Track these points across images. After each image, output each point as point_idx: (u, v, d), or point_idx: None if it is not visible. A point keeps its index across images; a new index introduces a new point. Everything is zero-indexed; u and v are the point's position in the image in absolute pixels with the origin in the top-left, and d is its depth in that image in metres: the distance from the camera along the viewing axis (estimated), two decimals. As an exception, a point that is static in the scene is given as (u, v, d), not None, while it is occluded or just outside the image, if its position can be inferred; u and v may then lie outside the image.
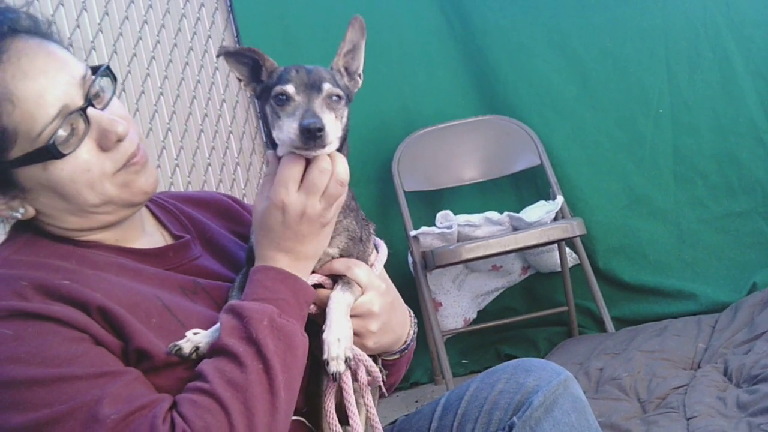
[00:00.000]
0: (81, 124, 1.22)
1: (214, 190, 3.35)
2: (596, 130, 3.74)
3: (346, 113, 1.29)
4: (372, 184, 3.76)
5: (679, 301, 3.50)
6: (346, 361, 1.23)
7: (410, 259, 3.46)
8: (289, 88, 1.23)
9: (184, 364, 1.18)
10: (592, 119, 3.74)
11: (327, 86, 1.24)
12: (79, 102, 1.22)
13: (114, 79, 1.30)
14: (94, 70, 1.27)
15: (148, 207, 1.45)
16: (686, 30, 3.66)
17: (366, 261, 1.40)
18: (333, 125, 1.22)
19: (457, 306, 3.68)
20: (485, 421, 1.38)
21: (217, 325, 1.23)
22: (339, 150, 1.28)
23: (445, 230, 3.30)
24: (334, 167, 1.26)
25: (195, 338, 1.21)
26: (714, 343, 2.85)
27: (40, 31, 1.27)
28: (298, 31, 3.62)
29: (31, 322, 1.12)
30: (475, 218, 3.37)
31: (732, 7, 3.61)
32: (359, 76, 1.39)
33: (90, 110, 1.23)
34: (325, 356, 1.23)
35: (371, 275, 1.36)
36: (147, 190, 1.31)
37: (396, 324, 1.42)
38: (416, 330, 1.52)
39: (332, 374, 1.22)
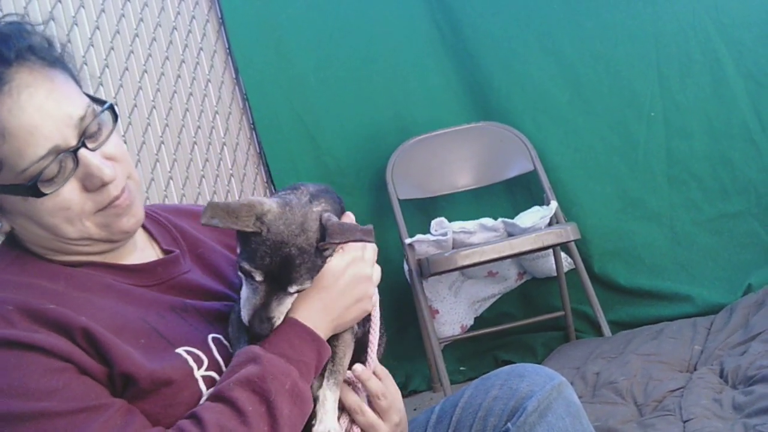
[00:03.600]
0: (69, 164, 1.20)
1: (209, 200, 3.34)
2: (589, 135, 3.74)
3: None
4: (366, 193, 3.77)
5: (675, 303, 3.50)
6: None
7: (406, 267, 3.46)
8: (257, 276, 1.21)
9: (170, 387, 1.17)
10: (585, 124, 3.75)
11: (292, 288, 1.23)
12: (72, 142, 1.20)
13: (115, 116, 1.28)
14: (97, 100, 1.26)
15: None
16: (676, 33, 3.67)
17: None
18: (285, 310, 1.25)
19: (453, 313, 3.68)
20: (480, 428, 1.38)
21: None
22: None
23: (440, 237, 3.31)
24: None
25: None
26: (710, 345, 2.85)
27: (51, 56, 1.23)
28: (289, 43, 3.62)
29: (15, 352, 1.10)
30: (470, 225, 3.38)
31: (721, 9, 3.63)
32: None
33: (82, 151, 1.21)
34: None
35: (391, 405, 1.39)
36: (127, 231, 1.30)
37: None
38: None
39: None
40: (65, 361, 1.11)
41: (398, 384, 3.68)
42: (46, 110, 1.17)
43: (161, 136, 3.18)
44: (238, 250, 1.25)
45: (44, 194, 1.18)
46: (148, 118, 3.15)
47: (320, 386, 1.31)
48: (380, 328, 1.46)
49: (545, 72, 3.76)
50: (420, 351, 3.61)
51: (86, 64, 2.91)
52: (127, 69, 3.09)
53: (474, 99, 3.85)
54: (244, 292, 1.25)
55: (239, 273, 1.25)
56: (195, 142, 3.37)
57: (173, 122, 3.27)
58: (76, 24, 2.91)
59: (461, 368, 3.67)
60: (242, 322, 1.31)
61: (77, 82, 1.28)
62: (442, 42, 3.85)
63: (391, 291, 3.73)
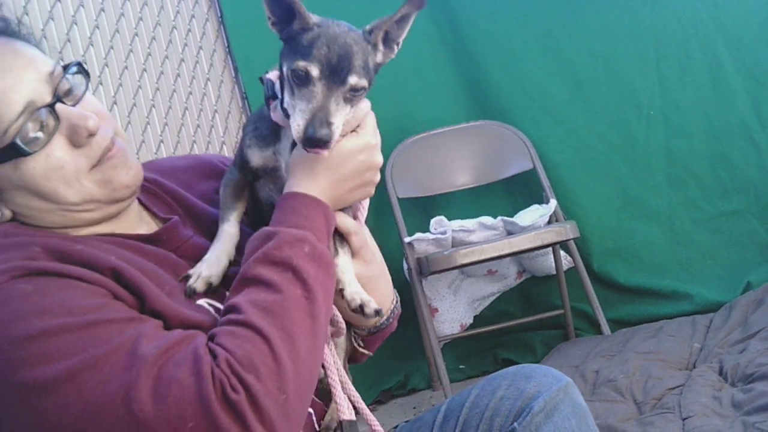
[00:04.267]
0: (51, 121, 1.20)
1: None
2: (588, 134, 3.75)
3: (365, 96, 1.27)
4: (365, 192, 3.76)
5: (674, 301, 3.51)
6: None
7: (405, 266, 3.47)
8: (313, 71, 1.18)
9: (203, 329, 1.16)
10: (584, 122, 3.75)
11: (352, 79, 1.19)
12: (47, 98, 1.20)
13: (87, 75, 1.28)
14: (65, 67, 1.26)
15: None
16: (676, 32, 3.68)
17: None
18: (342, 121, 1.20)
19: (453, 311, 3.68)
20: (486, 428, 1.38)
21: (220, 248, 1.29)
22: None
23: (440, 236, 3.31)
24: None
25: (204, 272, 1.23)
26: (709, 343, 2.85)
27: (8, 30, 1.25)
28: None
29: (52, 279, 1.10)
30: (469, 223, 3.38)
31: (721, 8, 3.64)
32: (397, 45, 1.32)
33: (59, 106, 1.21)
34: (357, 302, 1.30)
35: (363, 244, 1.40)
36: (129, 184, 1.29)
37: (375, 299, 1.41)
38: (396, 315, 1.53)
39: (376, 311, 1.30)
40: (101, 287, 1.13)
41: (398, 383, 3.70)
42: (14, 70, 1.18)
43: (160, 135, 3.19)
44: (283, 60, 1.23)
45: (30, 152, 1.17)
46: (147, 116, 3.16)
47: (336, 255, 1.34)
48: None
49: (545, 71, 3.76)
50: (420, 349, 3.61)
51: (85, 62, 2.91)
52: (126, 68, 3.10)
53: (473, 98, 3.85)
54: (295, 103, 1.19)
55: (289, 80, 1.21)
56: (194, 141, 3.37)
57: (172, 121, 3.27)
58: (76, 24, 2.91)
59: (461, 366, 3.67)
60: (231, 188, 1.36)
61: (40, 50, 1.28)
62: (442, 41, 3.85)
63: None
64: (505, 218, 3.39)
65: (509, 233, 3.36)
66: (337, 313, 1.35)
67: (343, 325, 1.37)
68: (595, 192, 3.71)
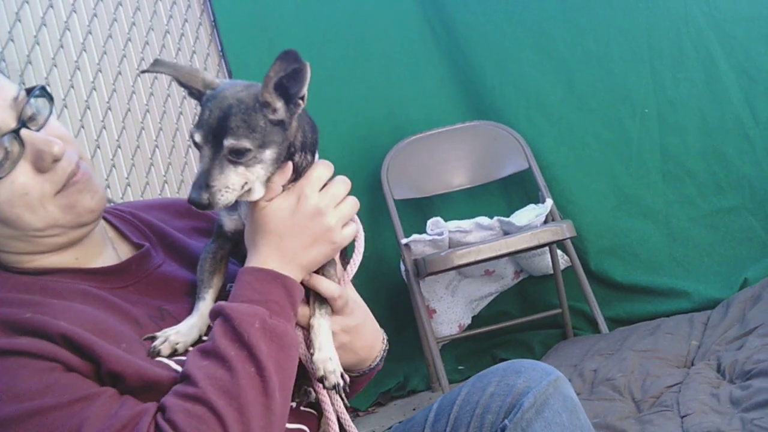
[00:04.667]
0: (15, 147, 1.18)
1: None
2: (583, 132, 3.75)
3: (268, 155, 1.21)
4: (361, 194, 3.71)
5: (672, 299, 3.50)
6: (341, 376, 1.27)
7: (402, 267, 3.46)
8: (197, 137, 1.19)
9: (160, 386, 1.15)
10: (579, 121, 3.75)
11: (228, 143, 1.17)
12: (12, 124, 1.19)
13: (50, 99, 1.27)
14: (29, 91, 1.24)
15: (106, 219, 1.43)
16: (668, 29, 3.68)
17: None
18: (236, 181, 1.18)
19: (451, 312, 3.68)
20: (477, 425, 1.37)
21: (193, 321, 1.24)
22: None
23: (436, 237, 3.31)
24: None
25: (173, 338, 1.20)
26: (706, 341, 2.86)
27: None
28: (282, 44, 3.55)
29: (0, 359, 1.09)
30: (466, 224, 3.38)
31: (713, 5, 3.63)
32: (302, 99, 1.26)
33: (24, 132, 1.19)
34: (321, 373, 1.26)
35: (347, 303, 1.36)
36: (93, 208, 1.28)
37: (360, 347, 1.41)
38: (385, 354, 1.50)
39: (333, 387, 1.26)
40: (51, 361, 1.10)
41: (397, 384, 3.70)
42: None
43: (155, 140, 3.19)
44: None
45: None
46: (142, 122, 3.15)
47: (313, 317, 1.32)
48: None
49: (539, 70, 3.76)
50: (418, 351, 3.61)
51: (79, 69, 2.91)
52: (120, 73, 3.10)
53: (468, 98, 3.85)
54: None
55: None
56: (190, 145, 3.36)
57: (167, 125, 3.27)
58: (68, 29, 2.91)
59: (459, 367, 3.67)
60: (209, 263, 1.33)
61: (4, 74, 1.28)
62: (435, 41, 3.85)
63: (388, 291, 3.73)
64: (502, 218, 3.39)
65: (506, 233, 3.36)
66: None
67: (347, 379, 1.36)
68: (591, 190, 3.71)
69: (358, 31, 3.78)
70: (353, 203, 1.32)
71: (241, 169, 1.18)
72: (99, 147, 2.91)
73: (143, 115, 3.16)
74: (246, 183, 1.19)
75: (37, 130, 1.22)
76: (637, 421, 2.31)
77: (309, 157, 1.32)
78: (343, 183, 1.31)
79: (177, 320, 1.29)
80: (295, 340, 1.23)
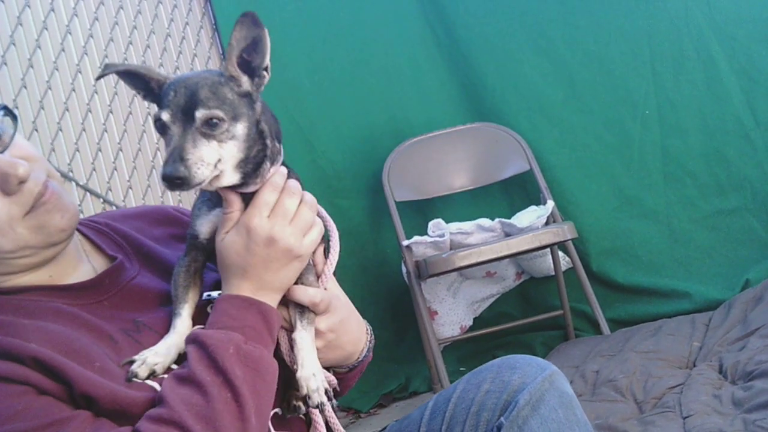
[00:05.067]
0: None
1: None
2: (584, 134, 3.75)
3: (239, 129, 1.20)
4: (363, 196, 3.77)
5: (673, 300, 3.50)
6: (326, 392, 1.26)
7: (404, 269, 3.47)
8: (164, 116, 1.17)
9: (133, 408, 1.13)
10: (580, 123, 3.75)
11: (200, 113, 1.16)
12: None
13: (14, 118, 1.25)
14: None
15: (81, 231, 1.42)
16: (669, 31, 3.68)
17: (311, 256, 1.37)
18: (209, 156, 1.16)
19: (452, 314, 3.68)
20: (473, 423, 1.37)
21: (171, 340, 1.23)
22: (263, 157, 1.26)
23: (438, 239, 3.31)
24: (303, 195, 1.28)
25: (150, 359, 1.19)
26: (708, 342, 2.85)
27: None
28: (283, 47, 3.59)
29: None
30: (467, 226, 3.38)
31: (713, 6, 3.63)
32: (266, 70, 1.26)
33: None
34: (305, 391, 1.26)
35: (329, 303, 1.35)
36: (64, 227, 1.26)
37: (346, 342, 1.41)
38: (371, 347, 1.50)
39: (317, 406, 1.25)
40: (23, 384, 1.09)
41: (399, 386, 3.70)
42: None
43: (157, 143, 3.19)
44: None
45: None
46: (144, 125, 3.16)
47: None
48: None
49: (539, 71, 3.76)
50: (420, 352, 3.61)
51: (80, 72, 2.91)
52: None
53: (468, 100, 3.86)
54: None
55: (157, 131, 1.20)
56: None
57: (155, 110, 3.27)
58: (70, 33, 2.92)
59: (461, 369, 3.67)
60: (182, 277, 1.31)
61: None
62: (436, 43, 3.85)
63: (389, 293, 3.73)
64: (503, 220, 3.39)
65: (507, 235, 3.36)
66: (328, 375, 1.35)
67: (335, 382, 1.37)
68: (592, 192, 3.71)
69: (359, 34, 3.78)
70: (308, 210, 1.29)
71: (213, 143, 1.17)
72: (101, 150, 2.92)
73: (144, 118, 3.17)
74: (219, 160, 1.18)
75: (2, 152, 1.20)
76: (639, 422, 2.31)
77: (278, 145, 1.31)
78: (290, 194, 1.27)
79: (153, 331, 1.29)
80: (272, 365, 1.23)
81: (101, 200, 2.85)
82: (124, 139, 3.05)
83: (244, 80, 1.24)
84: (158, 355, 1.21)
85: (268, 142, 1.27)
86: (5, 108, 1.24)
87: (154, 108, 3.15)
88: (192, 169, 1.13)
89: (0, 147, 1.21)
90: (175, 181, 1.13)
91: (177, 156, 1.13)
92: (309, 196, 1.30)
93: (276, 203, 1.26)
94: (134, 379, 1.17)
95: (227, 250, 1.27)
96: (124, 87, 3.09)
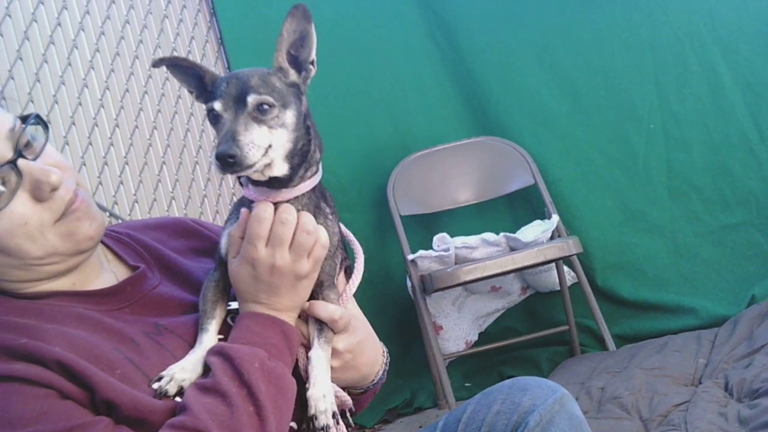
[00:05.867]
0: (12, 177, 1.19)
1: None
2: (589, 148, 3.75)
3: (289, 116, 1.24)
4: (368, 210, 3.77)
5: (679, 316, 3.49)
6: (333, 415, 1.25)
7: (409, 284, 3.46)
8: (217, 105, 1.20)
9: (154, 416, 1.14)
10: (585, 137, 3.75)
11: (252, 98, 1.20)
12: (9, 155, 1.19)
13: (45, 126, 1.27)
14: (24, 119, 1.24)
15: (102, 241, 1.42)
16: (673, 45, 3.69)
17: (334, 273, 1.38)
18: (260, 140, 1.19)
19: (457, 329, 3.67)
20: None
21: (197, 355, 1.24)
22: (307, 152, 1.28)
23: (443, 253, 3.31)
24: (299, 218, 1.27)
25: (178, 375, 1.20)
26: (714, 358, 2.84)
27: None
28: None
29: None
30: (472, 240, 3.38)
31: (717, 20, 3.64)
32: (312, 64, 1.32)
33: (21, 162, 1.19)
34: (312, 411, 1.25)
35: (349, 321, 1.35)
36: (92, 235, 1.28)
37: (363, 363, 1.41)
38: (386, 369, 1.50)
39: (322, 428, 1.24)
40: (46, 387, 1.10)
41: (404, 401, 3.68)
42: None
43: (163, 157, 3.20)
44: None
45: None
46: (150, 138, 3.17)
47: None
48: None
49: (544, 85, 3.77)
50: (425, 367, 3.60)
51: (86, 86, 2.93)
52: (127, 90, 3.12)
53: (473, 114, 3.86)
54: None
55: (210, 122, 1.23)
56: (197, 162, 3.38)
57: (174, 142, 3.29)
58: (76, 47, 2.93)
59: (466, 384, 3.66)
60: (211, 292, 1.32)
61: None
62: (441, 57, 3.86)
63: (394, 307, 3.72)
64: (508, 234, 3.39)
65: (512, 249, 3.35)
66: (342, 393, 1.35)
67: (349, 401, 1.37)
68: (597, 206, 3.71)
69: (364, 47, 3.79)
70: (306, 234, 1.28)
71: (264, 128, 1.20)
72: (107, 164, 2.93)
73: (151, 131, 3.17)
74: (270, 146, 1.20)
75: (34, 159, 1.22)
76: (644, 440, 2.30)
77: (318, 154, 1.34)
78: (282, 223, 1.26)
79: (174, 334, 1.30)
80: (291, 383, 1.24)
81: (107, 214, 2.86)
82: (130, 153, 3.05)
83: (292, 72, 1.29)
84: (185, 370, 1.22)
85: (313, 141, 1.30)
86: (37, 116, 1.26)
87: (160, 122, 3.15)
88: (244, 149, 1.15)
89: (32, 155, 1.23)
90: (227, 159, 1.14)
91: (229, 137, 1.16)
92: (305, 218, 1.28)
93: (270, 233, 1.26)
94: (163, 398, 1.18)
95: (235, 279, 1.29)
96: (130, 101, 3.10)
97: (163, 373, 1.21)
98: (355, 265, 1.43)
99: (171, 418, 1.13)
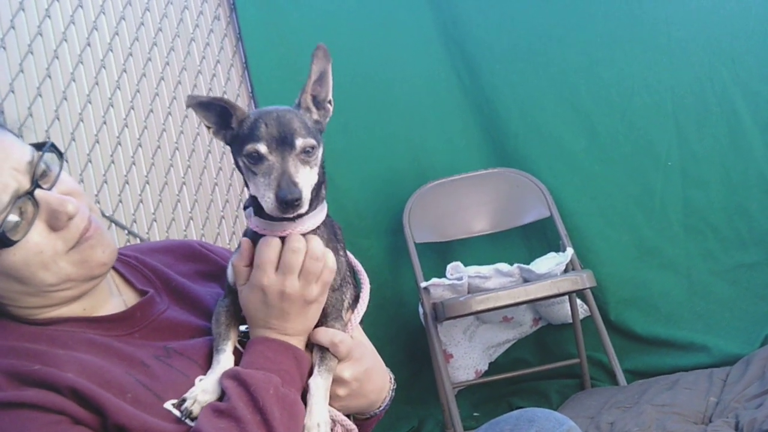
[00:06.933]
0: (29, 207, 1.20)
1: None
2: (606, 183, 3.76)
3: (320, 154, 1.29)
4: (383, 236, 3.80)
5: (691, 353, 3.47)
6: None
7: (421, 311, 3.47)
8: (261, 148, 1.22)
9: None
10: (602, 172, 3.77)
11: (300, 142, 1.23)
12: (26, 186, 1.20)
13: (60, 154, 1.29)
14: (38, 146, 1.27)
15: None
16: (693, 85, 3.70)
17: (341, 307, 1.40)
18: (308, 180, 1.24)
19: (468, 358, 3.67)
20: None
21: (217, 376, 1.25)
22: (320, 188, 1.31)
23: (456, 282, 3.31)
24: (308, 245, 1.29)
25: (201, 397, 1.22)
26: (725, 397, 2.82)
27: None
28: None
29: (7, 412, 1.10)
30: (486, 270, 3.39)
31: (738, 63, 3.66)
32: (330, 103, 1.37)
33: (38, 192, 1.21)
34: None
35: (351, 348, 1.36)
36: (105, 262, 1.30)
37: (370, 391, 1.42)
38: (393, 396, 1.51)
39: None
40: (59, 414, 1.12)
41: (411, 429, 3.67)
42: (1, 163, 1.20)
43: (183, 177, 3.24)
44: (236, 157, 1.27)
45: (14, 242, 1.18)
46: (171, 159, 3.21)
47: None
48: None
49: (562, 120, 3.80)
50: (433, 395, 3.59)
51: (112, 106, 2.98)
52: (152, 111, 3.17)
53: (491, 145, 3.89)
54: (258, 184, 1.23)
55: (247, 169, 1.24)
56: (216, 184, 3.42)
57: (195, 164, 3.33)
58: (104, 67, 3.00)
59: (475, 414, 3.65)
60: (224, 316, 1.35)
61: (16, 135, 1.30)
62: (461, 88, 3.90)
63: (406, 334, 3.73)
64: (522, 265, 3.39)
65: (525, 280, 3.36)
66: (349, 423, 1.37)
67: (355, 430, 1.38)
68: (612, 241, 3.71)
69: (385, 76, 3.84)
70: (314, 261, 1.30)
71: (307, 168, 1.24)
72: (128, 182, 2.97)
73: (172, 152, 3.22)
74: (310, 186, 1.24)
75: (50, 188, 1.25)
76: (652, 477, 2.28)
77: (324, 191, 1.36)
78: (292, 251, 1.29)
79: (184, 356, 1.31)
80: (302, 410, 1.26)
81: (126, 231, 2.89)
82: (151, 173, 3.10)
83: (314, 111, 1.33)
84: (207, 392, 1.23)
85: (325, 176, 1.34)
86: (52, 145, 1.28)
87: (182, 143, 3.16)
88: (303, 191, 1.21)
89: (47, 183, 1.25)
90: (294, 203, 1.19)
91: (289, 180, 1.20)
92: (314, 243, 1.31)
93: (280, 260, 1.29)
94: (187, 419, 1.19)
95: (245, 305, 1.32)
96: (153, 121, 3.16)
97: (187, 395, 1.23)
98: (361, 294, 1.45)
99: None
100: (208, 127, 1.32)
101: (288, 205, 1.19)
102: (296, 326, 1.31)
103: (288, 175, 1.20)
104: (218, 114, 1.30)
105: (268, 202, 1.21)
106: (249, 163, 1.24)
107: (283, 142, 1.23)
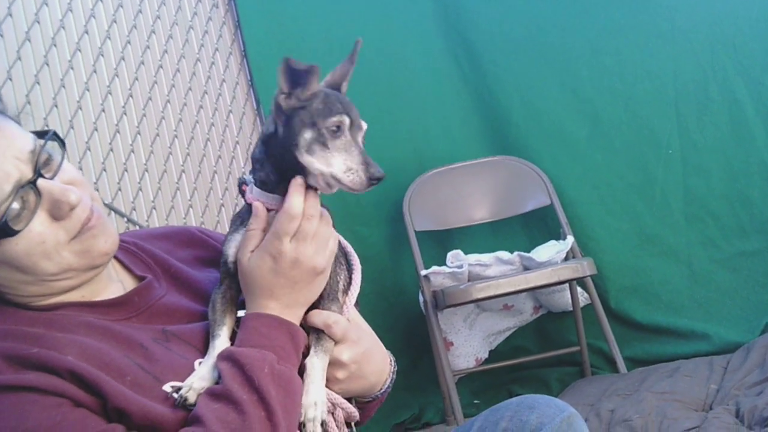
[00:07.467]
0: (32, 197, 1.19)
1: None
2: (607, 171, 3.75)
3: None
4: (383, 224, 3.79)
5: (692, 341, 3.48)
6: (322, 424, 1.26)
7: (421, 299, 3.47)
8: (345, 120, 1.27)
9: (166, 424, 1.16)
10: (603, 160, 3.76)
11: (365, 125, 1.31)
12: (29, 175, 1.19)
13: (62, 143, 1.28)
14: (40, 134, 1.25)
15: None
16: (695, 73, 3.69)
17: (338, 288, 1.40)
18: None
19: (468, 345, 3.67)
20: None
21: (212, 362, 1.25)
22: None
23: (456, 270, 3.31)
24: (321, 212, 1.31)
25: (197, 384, 1.21)
26: (726, 385, 2.83)
27: None
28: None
29: (7, 395, 1.10)
30: (486, 258, 3.38)
31: (740, 51, 3.65)
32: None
33: (40, 182, 1.20)
34: (301, 419, 1.25)
35: (347, 329, 1.35)
36: (107, 251, 1.29)
37: (370, 373, 1.41)
38: (394, 377, 1.50)
39: None
40: (59, 396, 1.12)
41: (411, 416, 3.68)
42: (1, 151, 1.18)
43: (182, 165, 3.24)
44: (301, 127, 1.27)
45: (16, 231, 1.17)
46: (170, 147, 3.21)
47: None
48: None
49: (564, 108, 3.78)
50: (434, 383, 3.60)
51: (110, 94, 2.97)
52: (150, 99, 3.16)
53: (492, 133, 3.88)
54: (331, 156, 1.26)
55: (321, 138, 1.26)
56: (215, 171, 3.41)
57: (194, 152, 3.33)
58: (102, 55, 2.98)
59: (475, 401, 3.65)
60: (220, 303, 1.33)
61: (17, 122, 1.28)
62: (462, 77, 3.89)
63: (406, 321, 3.73)
64: (522, 253, 3.39)
65: (526, 268, 3.36)
66: (348, 405, 1.36)
67: (356, 413, 1.38)
68: (613, 229, 3.71)
69: (387, 65, 3.82)
70: (325, 225, 1.32)
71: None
72: (126, 170, 2.96)
73: (171, 140, 3.21)
74: None
75: (52, 177, 1.24)
76: (652, 464, 2.29)
77: None
78: (309, 218, 1.29)
79: (182, 340, 1.31)
80: (299, 385, 1.25)
81: (125, 219, 2.89)
82: (150, 161, 3.09)
83: None
84: (203, 379, 1.23)
85: None
86: (54, 134, 1.27)
87: (181, 130, 3.15)
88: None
89: (49, 172, 1.24)
90: (381, 180, 1.26)
91: (371, 161, 1.27)
92: (324, 211, 1.33)
93: (297, 229, 1.29)
94: (184, 406, 1.19)
95: (252, 273, 1.29)
96: (152, 109, 3.15)
97: (182, 383, 1.22)
98: (353, 276, 1.44)
99: (183, 428, 1.15)
100: (283, 92, 1.31)
101: (378, 181, 1.25)
102: (300, 297, 1.30)
103: (365, 154, 1.27)
104: (295, 82, 1.30)
105: (353, 176, 1.25)
106: (328, 136, 1.26)
107: (357, 122, 1.29)
